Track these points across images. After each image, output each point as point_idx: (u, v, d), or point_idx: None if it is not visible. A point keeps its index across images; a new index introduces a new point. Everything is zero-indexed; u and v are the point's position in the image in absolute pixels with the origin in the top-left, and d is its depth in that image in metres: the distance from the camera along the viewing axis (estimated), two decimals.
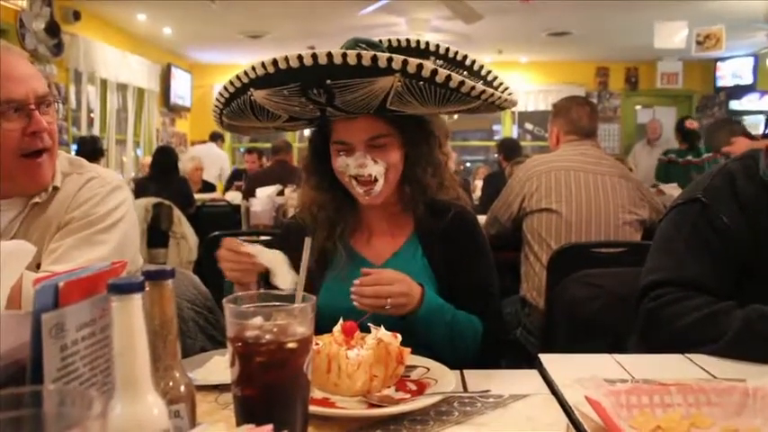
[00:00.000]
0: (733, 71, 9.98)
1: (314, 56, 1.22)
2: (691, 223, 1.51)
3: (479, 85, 1.31)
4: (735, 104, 9.83)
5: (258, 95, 1.34)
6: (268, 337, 0.81)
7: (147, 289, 0.75)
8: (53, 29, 6.48)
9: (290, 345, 0.81)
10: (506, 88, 1.50)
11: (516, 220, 2.83)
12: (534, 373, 1.27)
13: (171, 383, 0.77)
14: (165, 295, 0.76)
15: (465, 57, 1.59)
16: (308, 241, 0.94)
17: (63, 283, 0.71)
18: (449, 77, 1.25)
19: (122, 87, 8.69)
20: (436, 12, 7.35)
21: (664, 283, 1.47)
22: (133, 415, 0.67)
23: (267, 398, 0.82)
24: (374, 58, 1.22)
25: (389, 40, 1.60)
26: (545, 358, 1.31)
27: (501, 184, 3.30)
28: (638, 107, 11.27)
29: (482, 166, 8.67)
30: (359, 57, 1.22)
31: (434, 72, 1.24)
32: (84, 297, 0.74)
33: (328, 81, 1.27)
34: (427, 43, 1.61)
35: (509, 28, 8.33)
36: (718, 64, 10.06)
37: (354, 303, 1.31)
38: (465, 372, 1.25)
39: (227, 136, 11.21)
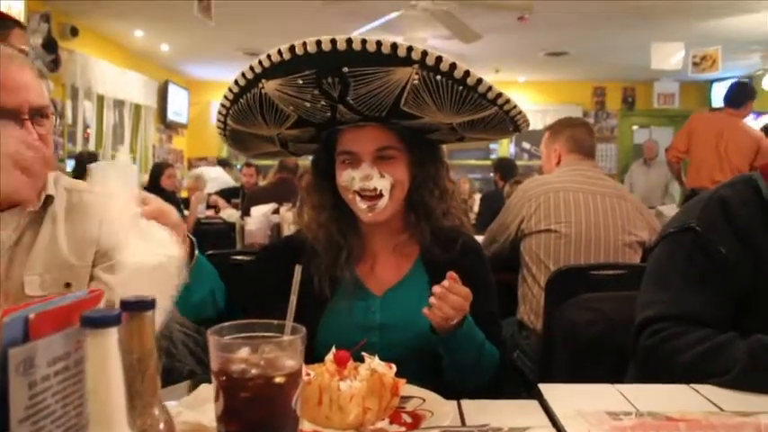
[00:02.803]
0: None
1: (333, 41, 1.21)
2: (685, 254, 1.45)
3: (497, 88, 1.29)
4: None
5: (270, 87, 1.31)
6: (254, 371, 0.76)
7: (125, 321, 0.70)
8: (51, 45, 6.45)
9: (279, 379, 0.77)
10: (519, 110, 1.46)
11: (514, 242, 2.79)
12: (534, 403, 1.22)
13: (149, 421, 0.72)
14: (145, 327, 0.71)
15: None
16: (298, 269, 0.90)
17: (34, 315, 0.66)
18: (467, 73, 1.24)
19: (119, 103, 8.67)
20: (433, 31, 7.35)
21: (660, 318, 1.41)
22: None
23: None
24: (394, 46, 1.21)
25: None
26: (545, 388, 1.26)
27: (498, 204, 3.27)
28: (635, 127, 11.30)
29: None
30: (378, 44, 1.20)
31: (453, 66, 1.23)
32: (58, 329, 0.69)
33: (345, 69, 1.24)
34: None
35: (506, 47, 8.36)
36: (714, 85, 10.09)
37: (428, 309, 1.29)
38: (462, 402, 1.20)
39: (224, 152, 11.23)
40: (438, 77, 1.25)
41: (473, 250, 1.57)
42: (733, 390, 1.26)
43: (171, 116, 10.16)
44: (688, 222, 1.48)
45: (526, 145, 11.14)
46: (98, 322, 0.61)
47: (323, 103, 1.35)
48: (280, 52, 1.25)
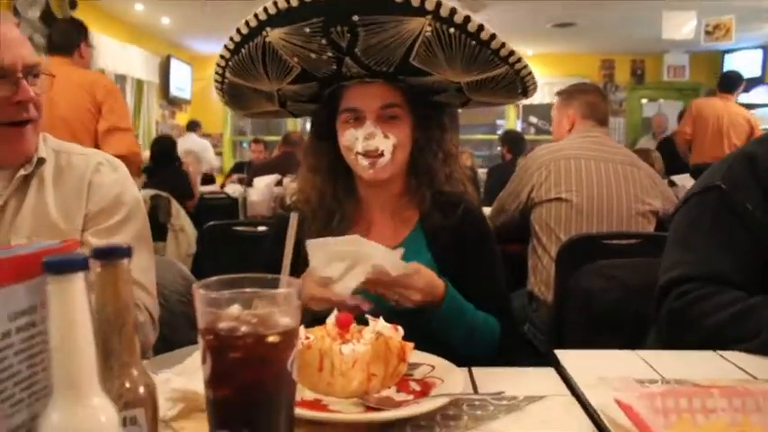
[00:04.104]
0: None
1: None
2: (711, 213, 1.38)
3: (509, 44, 1.23)
4: (743, 97, 9.65)
5: (274, 36, 1.25)
6: (245, 328, 0.68)
7: (98, 270, 0.62)
8: (48, 17, 6.34)
9: (272, 338, 0.68)
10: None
11: (524, 211, 2.70)
12: (550, 371, 1.15)
13: (127, 384, 0.64)
14: (121, 277, 0.63)
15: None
16: (293, 217, 0.82)
17: None
18: (481, 26, 1.18)
19: (121, 79, 8.54)
20: None
21: (686, 279, 1.33)
22: (73, 423, 0.54)
23: (244, 400, 0.69)
24: None
25: None
26: (562, 355, 1.19)
27: (505, 177, 3.18)
28: (644, 100, 11.12)
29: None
30: None
31: (467, 18, 1.17)
32: (22, 279, 0.61)
33: (355, 17, 1.18)
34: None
35: (514, 19, 8.19)
36: (726, 56, 9.90)
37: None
38: (474, 370, 1.13)
39: (228, 128, 11.13)
40: (451, 30, 1.19)
41: (475, 217, 1.51)
42: (763, 355, 1.19)
43: (174, 92, 10.02)
44: (713, 181, 1.40)
45: (533, 119, 10.98)
46: (61, 266, 0.54)
47: (329, 54, 1.29)
48: None
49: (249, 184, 4.89)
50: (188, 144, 8.52)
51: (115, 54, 8.18)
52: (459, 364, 1.08)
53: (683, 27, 6.98)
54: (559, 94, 2.98)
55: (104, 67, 7.87)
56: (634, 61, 10.64)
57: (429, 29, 1.19)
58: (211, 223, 3.10)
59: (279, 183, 4.77)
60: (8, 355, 0.60)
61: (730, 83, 5.92)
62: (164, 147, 5.74)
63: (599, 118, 2.79)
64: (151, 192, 4.85)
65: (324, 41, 1.25)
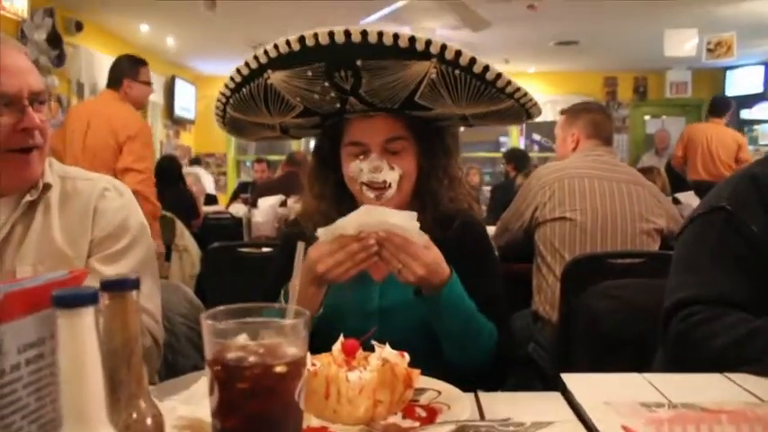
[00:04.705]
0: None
1: (346, 32, 1.13)
2: (716, 234, 1.38)
3: (515, 82, 1.22)
4: (745, 113, 9.69)
5: (276, 78, 1.24)
6: (252, 359, 0.68)
7: (107, 302, 0.63)
8: (55, 39, 6.40)
9: (279, 368, 0.68)
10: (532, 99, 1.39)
11: (528, 230, 2.70)
12: (557, 395, 1.14)
13: (135, 415, 0.64)
14: (129, 309, 0.64)
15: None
16: (300, 246, 0.82)
17: (3, 295, 0.58)
18: (486, 68, 1.17)
19: None
20: (442, 20, 7.26)
21: (692, 301, 1.33)
22: None
23: (252, 431, 0.69)
24: (412, 39, 1.13)
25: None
26: (568, 378, 1.18)
27: (508, 195, 3.18)
28: (646, 117, 11.14)
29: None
30: (395, 36, 1.13)
31: (473, 60, 1.16)
32: (30, 312, 0.61)
33: (359, 62, 1.17)
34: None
35: (516, 37, 8.24)
36: (728, 72, 9.93)
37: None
38: (480, 395, 1.12)
39: (231, 148, 11.17)
40: (456, 72, 1.19)
41: (475, 229, 1.50)
42: None
43: (178, 111, 10.08)
44: (719, 202, 1.40)
45: (536, 136, 11.01)
46: (70, 301, 0.54)
47: (332, 95, 1.28)
48: (288, 43, 1.18)
49: (254, 204, 4.90)
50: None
51: None
52: (459, 381, 1.08)
53: (684, 44, 7.02)
54: (563, 112, 2.99)
55: None
56: (637, 78, 10.67)
57: (434, 71, 1.18)
58: (216, 245, 3.10)
59: (283, 203, 4.77)
60: (17, 388, 0.60)
61: (718, 108, 6.78)
62: (168, 167, 5.76)
63: (603, 137, 2.80)
64: None
65: (327, 84, 1.24)
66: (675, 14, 6.89)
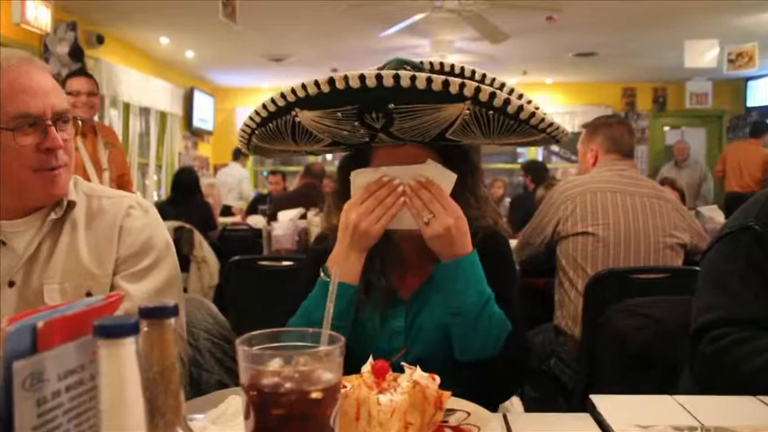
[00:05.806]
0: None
1: (378, 77, 1.10)
2: (744, 254, 1.36)
3: (548, 117, 1.21)
4: None
5: (305, 117, 1.21)
6: (288, 385, 0.68)
7: (145, 329, 0.63)
8: (77, 53, 6.48)
9: (315, 394, 0.68)
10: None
11: (550, 245, 2.68)
12: (586, 416, 1.13)
13: None
14: (167, 337, 0.64)
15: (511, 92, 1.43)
16: (336, 270, 0.82)
17: (42, 323, 0.59)
18: (521, 108, 1.15)
19: (145, 111, 8.69)
20: (460, 33, 7.27)
21: (721, 323, 1.32)
22: None
23: None
24: (446, 83, 1.10)
25: (431, 63, 1.49)
26: (598, 400, 1.17)
27: (528, 207, 3.16)
28: (666, 128, 11.07)
29: (498, 179, 8.43)
30: (429, 80, 1.10)
31: (507, 102, 1.14)
32: (70, 339, 0.62)
33: (390, 105, 1.15)
34: (462, 69, 1.49)
35: (534, 48, 8.23)
36: (750, 83, 9.85)
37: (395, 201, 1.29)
38: (508, 416, 1.12)
39: (249, 159, 11.23)
40: (490, 112, 1.17)
41: (496, 239, 1.48)
42: None
43: (196, 123, 10.17)
44: (746, 221, 1.38)
45: (555, 147, 10.97)
46: (113, 331, 0.54)
47: (362, 132, 1.26)
48: (317, 84, 1.14)
49: (273, 217, 4.91)
50: (234, 171, 8.83)
51: (140, 87, 8.32)
52: (493, 410, 1.07)
53: (705, 55, 6.98)
54: (585, 127, 2.98)
55: (129, 100, 8.02)
56: (656, 89, 10.61)
57: (467, 112, 1.16)
58: (236, 258, 3.12)
59: (303, 216, 4.78)
60: (57, 414, 0.60)
61: (755, 131, 8.02)
62: (186, 178, 5.80)
63: (623, 151, 2.77)
64: (175, 224, 4.89)
65: (356, 124, 1.22)
66: (695, 25, 6.85)
